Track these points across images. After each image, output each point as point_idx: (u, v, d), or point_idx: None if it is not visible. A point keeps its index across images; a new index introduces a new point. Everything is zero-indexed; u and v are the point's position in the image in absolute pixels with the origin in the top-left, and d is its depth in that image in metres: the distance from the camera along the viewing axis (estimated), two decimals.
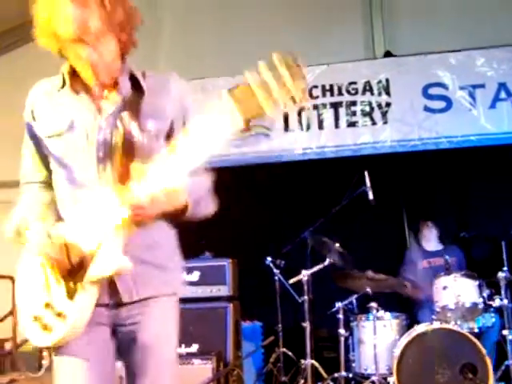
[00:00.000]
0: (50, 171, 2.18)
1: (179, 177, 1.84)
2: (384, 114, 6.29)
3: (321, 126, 6.40)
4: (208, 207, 2.11)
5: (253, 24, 6.63)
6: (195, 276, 5.25)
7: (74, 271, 1.94)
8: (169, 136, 2.07)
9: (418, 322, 4.76)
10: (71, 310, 1.94)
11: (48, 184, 2.20)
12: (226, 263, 5.31)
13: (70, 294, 1.94)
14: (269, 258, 5.45)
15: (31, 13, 1.99)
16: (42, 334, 1.99)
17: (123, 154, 1.99)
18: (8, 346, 5.89)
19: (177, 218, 2.03)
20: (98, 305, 1.99)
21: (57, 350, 2.02)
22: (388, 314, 4.90)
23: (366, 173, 5.13)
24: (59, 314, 1.95)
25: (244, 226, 6.08)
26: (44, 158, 2.17)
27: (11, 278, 5.65)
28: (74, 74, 2.08)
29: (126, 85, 2.09)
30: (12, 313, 5.71)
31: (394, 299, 5.45)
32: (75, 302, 1.93)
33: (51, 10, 1.93)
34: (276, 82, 1.58)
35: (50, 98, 2.12)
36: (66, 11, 1.91)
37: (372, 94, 6.31)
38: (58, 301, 1.97)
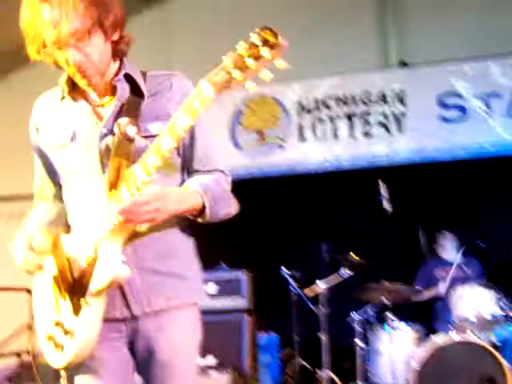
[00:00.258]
0: (59, 186, 2.13)
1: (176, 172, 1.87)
2: (399, 124, 6.26)
3: (336, 137, 6.40)
4: (229, 206, 2.04)
5: None
6: (211, 288, 5.22)
7: (76, 286, 1.88)
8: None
9: (435, 332, 4.72)
10: (78, 327, 1.86)
11: (56, 199, 2.16)
12: (243, 275, 5.29)
13: (76, 310, 1.87)
14: (284, 269, 5.44)
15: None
16: (56, 353, 1.92)
17: (120, 159, 1.88)
18: (26, 358, 5.90)
19: (196, 219, 1.96)
20: (111, 319, 1.92)
21: (72, 369, 1.94)
22: (404, 325, 4.87)
23: (380, 182, 5.09)
24: (67, 332, 1.89)
25: (259, 236, 6.08)
26: (53, 173, 2.12)
27: (27, 291, 5.68)
28: (72, 82, 2.02)
29: (123, 88, 2.01)
30: (29, 325, 5.73)
31: (410, 309, 5.42)
32: (80, 318, 1.85)
33: (33, 15, 1.86)
34: (247, 45, 1.54)
35: (53, 110, 2.08)
36: (42, 14, 1.83)
37: (387, 104, 6.29)
38: (66, 318, 1.90)
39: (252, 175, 6.36)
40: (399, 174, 6.00)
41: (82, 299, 1.84)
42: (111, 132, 1.94)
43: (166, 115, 1.91)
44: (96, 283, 1.82)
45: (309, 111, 6.46)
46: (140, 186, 1.73)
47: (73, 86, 2.02)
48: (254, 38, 1.53)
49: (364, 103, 6.35)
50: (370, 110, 6.33)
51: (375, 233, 5.96)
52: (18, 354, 5.87)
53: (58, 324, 1.91)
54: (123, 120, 1.89)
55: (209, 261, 5.40)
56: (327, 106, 6.40)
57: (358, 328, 4.94)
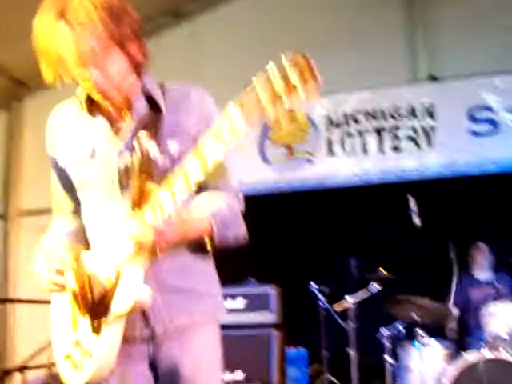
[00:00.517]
0: (77, 202, 2.08)
1: (202, 195, 1.79)
2: (428, 138, 6.23)
3: (365, 151, 6.38)
4: (239, 232, 1.99)
5: (292, 50, 6.66)
6: (240, 302, 5.23)
7: (96, 305, 1.84)
8: None
9: (466, 349, 4.65)
10: (97, 347, 1.83)
11: (75, 214, 2.12)
12: (271, 290, 5.29)
13: (95, 329, 1.83)
14: (313, 284, 5.42)
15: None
16: (74, 372, 1.89)
17: (141, 178, 1.83)
18: (55, 370, 5.95)
19: (204, 243, 1.91)
20: (131, 338, 1.89)
21: None
22: (435, 341, 4.80)
23: (409, 197, 5.06)
24: (86, 352, 1.85)
25: (288, 251, 6.07)
26: (71, 188, 2.08)
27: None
28: (90, 97, 1.96)
29: (141, 104, 1.96)
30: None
31: (441, 325, 5.34)
32: (100, 338, 1.81)
33: (50, 34, 1.82)
34: (283, 82, 1.45)
35: (70, 124, 2.04)
36: (64, 33, 1.79)
37: (416, 118, 6.27)
38: (85, 337, 1.86)
39: (280, 190, 6.36)
40: (429, 189, 5.96)
41: (103, 319, 1.81)
42: (130, 149, 1.90)
43: (185, 131, 1.92)
44: (119, 304, 1.79)
45: (338, 125, 6.46)
46: (165, 211, 1.68)
47: (91, 101, 1.98)
48: (287, 64, 1.48)
49: (393, 117, 6.33)
50: (399, 124, 6.31)
51: (404, 247, 5.92)
52: (48, 366, 5.93)
53: (76, 342, 1.89)
54: (143, 138, 1.86)
55: (238, 275, 5.43)
56: (356, 121, 6.40)
57: (387, 344, 4.89)
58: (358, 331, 5.11)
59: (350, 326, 5.08)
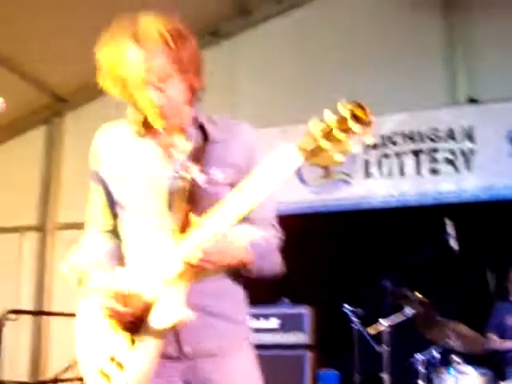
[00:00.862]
0: (115, 219, 2.13)
1: (239, 226, 1.83)
2: (467, 161, 6.15)
3: (402, 173, 6.33)
4: (275, 263, 2.06)
5: (331, 70, 6.68)
6: (273, 323, 5.22)
7: (134, 322, 1.88)
8: (234, 186, 1.92)
9: (505, 378, 4.54)
10: (131, 362, 1.88)
11: (112, 232, 2.16)
12: (305, 311, 5.27)
13: (131, 346, 1.88)
14: (347, 306, 5.37)
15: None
16: None
17: (188, 204, 1.91)
18: None
19: (240, 273, 1.97)
20: (166, 357, 1.91)
21: None
22: (471, 369, 4.70)
23: (447, 220, 5.00)
24: (120, 365, 1.89)
25: (322, 272, 6.03)
26: (110, 205, 2.13)
27: None
28: (143, 120, 2.03)
29: (193, 131, 2.04)
30: None
31: (478, 352, 5.23)
32: (136, 354, 1.87)
33: (116, 54, 1.91)
34: (339, 129, 1.57)
35: (117, 143, 2.09)
36: (130, 54, 1.88)
37: (455, 140, 6.20)
38: (119, 352, 1.91)
39: (316, 210, 6.34)
40: (466, 212, 5.87)
41: (141, 336, 1.86)
42: (180, 175, 1.95)
43: (232, 164, 2.00)
44: (159, 323, 1.83)
45: (375, 147, 6.43)
46: (213, 237, 1.75)
47: (144, 124, 2.04)
48: (344, 112, 1.56)
49: (431, 140, 6.28)
50: (437, 146, 6.25)
51: (441, 271, 5.83)
52: (81, 379, 5.97)
53: (111, 358, 1.92)
54: (193, 166, 1.93)
55: (271, 295, 5.41)
56: (393, 142, 6.36)
57: (421, 369, 4.81)
58: (392, 355, 5.03)
59: (384, 349, 5.00)
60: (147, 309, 1.85)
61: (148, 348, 1.86)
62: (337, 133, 1.56)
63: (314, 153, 1.60)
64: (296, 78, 6.67)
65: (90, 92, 7.75)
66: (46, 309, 7.42)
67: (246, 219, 1.87)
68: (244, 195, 1.71)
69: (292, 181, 6.45)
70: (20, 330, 7.31)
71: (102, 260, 2.07)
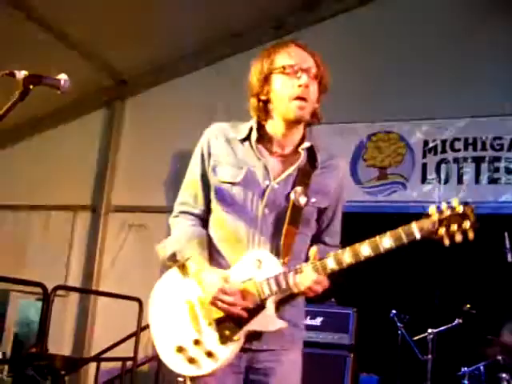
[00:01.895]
0: (207, 208, 2.32)
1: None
2: None
3: (460, 181, 6.18)
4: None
5: (393, 72, 6.57)
6: (318, 321, 5.21)
7: (227, 319, 2.14)
8: (321, 210, 2.30)
9: None
10: (223, 354, 2.13)
11: (203, 219, 2.34)
12: (351, 312, 5.25)
13: (223, 340, 2.14)
14: (394, 311, 5.29)
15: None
16: (187, 365, 2.17)
17: (292, 227, 2.18)
18: (129, 364, 6.08)
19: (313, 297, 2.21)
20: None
21: (196, 379, 2.18)
22: None
23: (506, 234, 4.86)
24: (209, 354, 2.14)
25: (370, 274, 5.94)
26: (206, 195, 2.31)
27: (139, 301, 5.87)
28: (260, 129, 2.27)
29: (303, 153, 2.26)
30: (136, 334, 5.90)
31: None
32: (228, 348, 2.13)
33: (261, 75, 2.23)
34: (452, 221, 2.02)
35: (230, 144, 2.29)
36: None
37: None
38: (209, 341, 2.15)
39: (369, 211, 6.26)
40: None
41: (236, 334, 2.12)
42: (283, 190, 2.21)
43: (327, 191, 2.28)
44: (264, 327, 2.14)
45: (435, 152, 6.29)
46: (327, 273, 2.09)
47: (259, 132, 2.28)
48: (460, 210, 2.02)
49: (494, 148, 6.10)
50: (499, 155, 6.07)
51: (494, 283, 5.68)
52: (123, 360, 6.06)
53: (198, 342, 2.17)
54: (299, 189, 2.19)
55: (320, 296, 5.33)
56: (454, 148, 6.22)
57: (467, 383, 4.69)
58: (436, 365, 4.93)
59: (428, 358, 4.91)
60: (253, 312, 2.13)
61: (238, 344, 2.13)
62: (453, 226, 2.02)
63: (429, 234, 2.04)
64: (355, 76, 6.57)
65: (152, 78, 7.85)
66: (93, 288, 7.54)
67: (320, 241, 2.35)
68: (366, 248, 2.09)
69: (348, 181, 6.39)
70: (67, 307, 7.48)
71: (201, 246, 2.26)
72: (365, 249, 2.07)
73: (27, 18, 6.49)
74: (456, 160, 6.21)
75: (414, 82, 6.38)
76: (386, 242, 2.06)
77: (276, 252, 2.17)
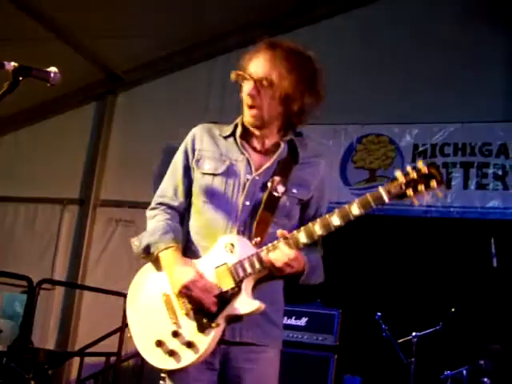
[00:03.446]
0: (187, 201, 2.36)
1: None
2: None
3: (448, 185, 6.20)
4: (320, 277, 2.33)
5: (384, 75, 6.58)
6: (303, 321, 5.22)
7: (210, 308, 2.12)
8: (303, 207, 2.34)
9: None
10: (203, 343, 2.11)
11: (181, 213, 2.37)
12: (336, 313, 5.25)
13: (202, 328, 2.12)
14: (379, 313, 5.30)
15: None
16: (166, 358, 2.15)
17: (267, 213, 2.20)
18: (113, 360, 6.07)
19: (292, 281, 2.23)
20: None
21: (173, 374, 2.19)
22: None
23: (492, 239, 4.89)
24: (189, 344, 2.13)
25: (356, 276, 5.96)
26: (187, 189, 2.36)
27: (124, 296, 5.84)
28: (244, 126, 2.33)
29: (285, 149, 2.32)
30: (121, 329, 5.89)
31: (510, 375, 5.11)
32: (208, 336, 2.11)
33: None
34: (420, 182, 2.02)
35: (215, 140, 2.35)
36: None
37: (507, 157, 6.05)
38: (188, 332, 2.15)
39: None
40: (510, 229, 5.72)
41: (214, 321, 2.11)
42: (262, 181, 2.25)
43: (307, 185, 2.32)
44: (241, 309, 2.12)
45: (424, 156, 6.31)
46: (300, 247, 2.10)
47: (243, 129, 2.34)
48: (425, 170, 2.03)
49: (482, 154, 6.13)
50: (488, 161, 6.10)
51: (478, 287, 5.71)
52: (107, 355, 6.04)
53: (176, 334, 2.16)
54: (276, 178, 2.24)
55: (307, 296, 5.34)
56: (444, 153, 6.24)
57: None
58: (419, 368, 4.96)
59: (412, 361, 4.93)
60: (228, 298, 2.12)
61: (217, 331, 2.12)
62: (420, 186, 2.02)
63: (397, 196, 2.04)
64: (351, 77, 6.59)
65: (145, 73, 7.82)
66: (79, 282, 7.51)
67: None
68: (336, 219, 2.07)
69: (335, 180, 6.40)
70: (53, 301, 7.44)
71: (177, 239, 2.28)
72: (335, 219, 2.07)
73: (17, 8, 6.43)
74: (445, 165, 6.24)
75: (405, 86, 6.40)
76: (355, 209, 2.05)
77: (249, 237, 2.19)
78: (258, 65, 2.26)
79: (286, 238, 2.09)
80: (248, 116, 2.28)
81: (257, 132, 2.31)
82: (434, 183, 2.01)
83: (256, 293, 2.16)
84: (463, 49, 6.38)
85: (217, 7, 6.69)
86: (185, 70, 7.63)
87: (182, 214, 2.38)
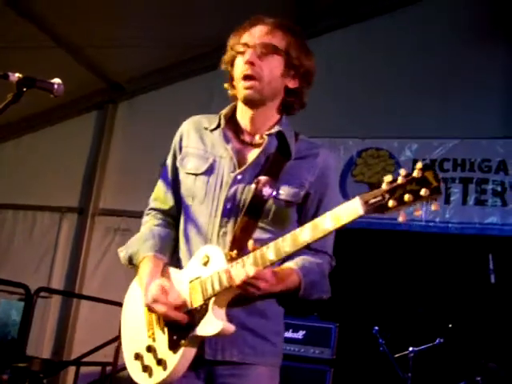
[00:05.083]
0: (179, 203, 2.20)
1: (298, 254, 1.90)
2: None
3: (447, 201, 6.20)
4: (323, 291, 2.08)
5: (385, 90, 6.60)
6: (300, 335, 5.22)
7: (181, 325, 1.95)
8: (300, 207, 2.05)
9: None
10: (172, 361, 1.94)
11: (173, 216, 2.23)
12: (333, 327, 5.24)
13: (172, 346, 1.95)
14: (376, 328, 5.29)
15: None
16: (141, 373, 2.02)
17: (249, 219, 1.97)
18: (108, 369, 6.04)
19: (288, 298, 2.01)
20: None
21: None
22: None
23: (490, 256, 4.89)
24: (160, 361, 1.97)
25: (354, 290, 5.95)
26: (176, 189, 2.20)
27: (121, 305, 5.82)
28: (231, 118, 2.13)
29: (272, 143, 2.07)
30: (117, 339, 5.87)
31: None
32: (177, 355, 1.93)
33: None
34: (407, 189, 1.59)
35: (201, 136, 2.16)
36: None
37: (506, 174, 6.05)
38: (160, 348, 1.99)
39: (357, 226, 6.24)
40: (510, 247, 5.72)
41: (184, 339, 1.92)
42: (245, 181, 2.01)
43: (300, 183, 2.03)
44: (204, 330, 1.89)
45: None
46: (267, 265, 1.81)
47: (230, 121, 2.13)
48: (416, 174, 1.57)
49: (482, 170, 6.14)
50: (487, 177, 6.11)
51: (476, 303, 5.69)
52: (103, 365, 6.02)
53: (150, 349, 2.01)
54: (263, 179, 1.98)
55: (303, 309, 5.34)
56: (443, 169, 6.25)
57: None
58: (416, 383, 4.94)
59: (409, 376, 4.91)
60: (196, 316, 1.92)
61: (188, 351, 1.93)
62: (407, 195, 1.58)
63: (376, 209, 1.63)
64: (351, 91, 6.61)
65: (146, 83, 7.83)
66: (76, 292, 7.48)
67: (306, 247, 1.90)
68: (306, 233, 1.76)
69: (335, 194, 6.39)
70: (50, 309, 7.42)
71: (161, 246, 2.14)
72: (305, 233, 1.76)
73: (18, 15, 6.44)
74: (444, 180, 6.24)
75: (405, 101, 6.42)
76: (327, 223, 1.73)
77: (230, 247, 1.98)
78: (259, 34, 2.05)
79: (254, 255, 1.83)
80: (241, 89, 2.04)
81: (250, 112, 2.07)
82: (425, 191, 1.55)
83: (246, 306, 1.99)
84: (463, 65, 6.40)
85: (217, 19, 6.72)
86: (186, 81, 7.65)
87: (176, 218, 2.21)
